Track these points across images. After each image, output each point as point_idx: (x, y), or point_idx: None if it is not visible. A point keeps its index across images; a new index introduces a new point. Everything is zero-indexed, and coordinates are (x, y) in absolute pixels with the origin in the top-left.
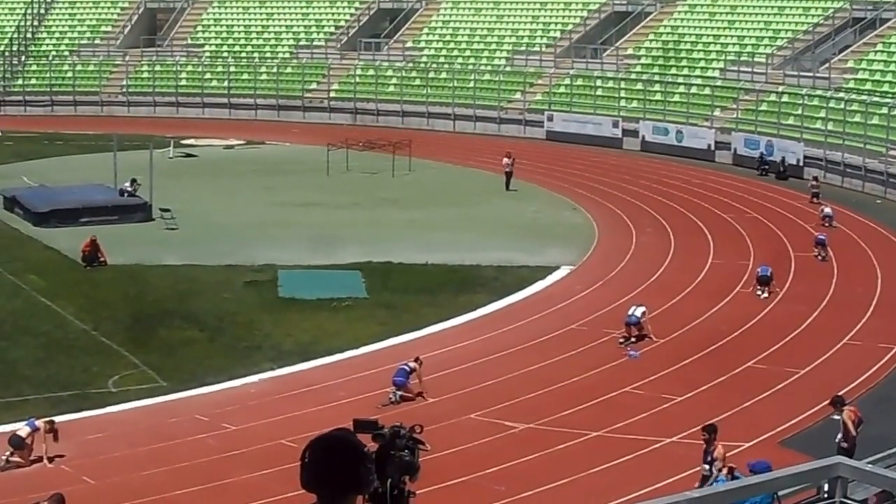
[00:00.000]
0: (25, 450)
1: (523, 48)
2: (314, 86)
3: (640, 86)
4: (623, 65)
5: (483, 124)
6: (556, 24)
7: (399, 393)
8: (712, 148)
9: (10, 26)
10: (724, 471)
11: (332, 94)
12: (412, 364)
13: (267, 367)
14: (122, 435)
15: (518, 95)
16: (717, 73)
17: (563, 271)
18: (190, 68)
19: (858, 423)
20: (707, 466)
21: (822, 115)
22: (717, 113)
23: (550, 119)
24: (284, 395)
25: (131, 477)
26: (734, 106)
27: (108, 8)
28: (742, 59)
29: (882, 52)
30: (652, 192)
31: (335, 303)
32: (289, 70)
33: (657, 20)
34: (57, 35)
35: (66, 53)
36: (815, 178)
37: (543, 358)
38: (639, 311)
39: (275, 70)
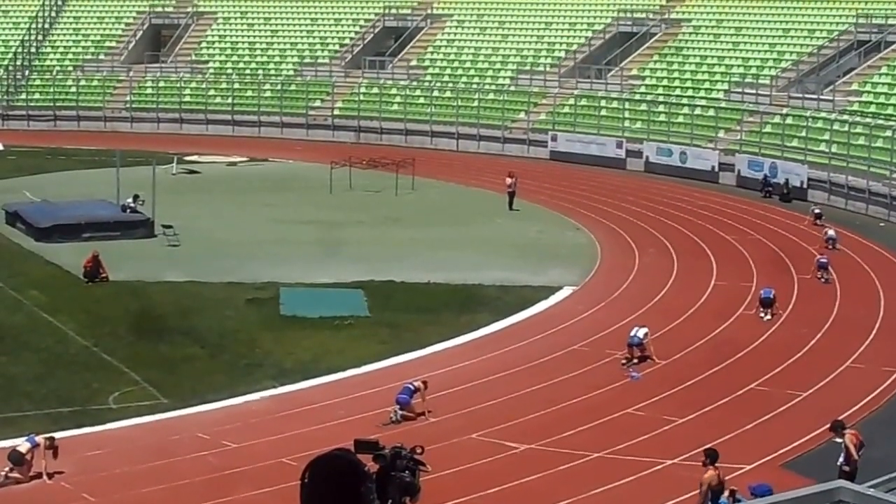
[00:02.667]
0: (25, 466)
1: (528, 68)
2: (318, 103)
3: (644, 106)
4: (627, 85)
5: (487, 144)
6: (561, 44)
7: (401, 412)
8: (716, 169)
9: (15, 41)
10: (726, 493)
11: (336, 112)
12: (417, 383)
13: (268, 384)
14: (122, 452)
15: (522, 115)
16: (721, 95)
17: (565, 292)
18: (194, 84)
19: (860, 446)
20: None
21: (827, 137)
22: (721, 134)
23: (554, 139)
24: (286, 413)
25: (131, 494)
26: (738, 128)
27: (113, 23)
28: (746, 80)
29: (886, 74)
30: (655, 214)
31: (337, 321)
32: (293, 87)
33: (662, 41)
34: (61, 50)
35: (70, 68)
36: (819, 212)
37: (545, 378)
38: (641, 333)
39: (279, 87)
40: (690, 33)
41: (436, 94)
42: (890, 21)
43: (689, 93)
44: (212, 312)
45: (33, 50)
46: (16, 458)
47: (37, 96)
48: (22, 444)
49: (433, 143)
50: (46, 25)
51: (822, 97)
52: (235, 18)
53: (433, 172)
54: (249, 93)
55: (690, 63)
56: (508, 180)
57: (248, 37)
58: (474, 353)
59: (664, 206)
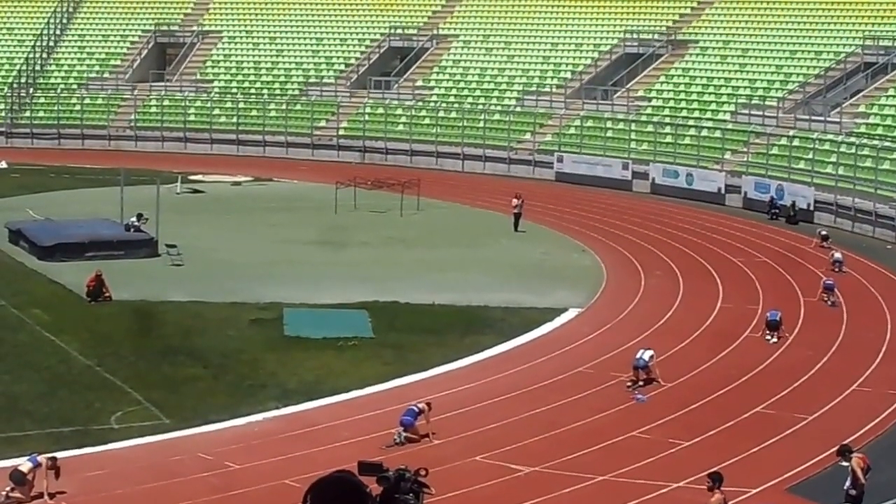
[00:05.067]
0: (26, 486)
1: (534, 89)
2: (323, 123)
3: (650, 128)
4: (633, 107)
5: (492, 164)
6: (567, 64)
7: (404, 434)
8: (722, 191)
9: (20, 58)
10: None
11: (342, 132)
12: (421, 405)
13: (271, 405)
14: (123, 472)
15: (528, 136)
16: (727, 117)
17: (570, 313)
18: (199, 104)
19: (867, 470)
20: None
21: (833, 159)
22: (727, 156)
23: (560, 160)
24: (288, 434)
25: None
26: (745, 149)
27: (118, 42)
28: (753, 102)
29: (894, 96)
30: (661, 235)
31: (341, 342)
32: (298, 107)
33: (668, 62)
34: (66, 68)
35: (75, 86)
36: (826, 233)
37: (550, 401)
38: (647, 355)
39: (284, 107)
40: (697, 55)
41: (441, 114)
42: None
43: (696, 114)
44: (215, 333)
45: (38, 67)
46: (17, 478)
47: (41, 114)
48: (24, 464)
49: (438, 163)
50: (51, 43)
51: (828, 119)
52: (241, 37)
53: (438, 193)
54: (254, 112)
55: (697, 84)
56: (514, 201)
57: (254, 56)
58: (479, 374)
59: (670, 228)
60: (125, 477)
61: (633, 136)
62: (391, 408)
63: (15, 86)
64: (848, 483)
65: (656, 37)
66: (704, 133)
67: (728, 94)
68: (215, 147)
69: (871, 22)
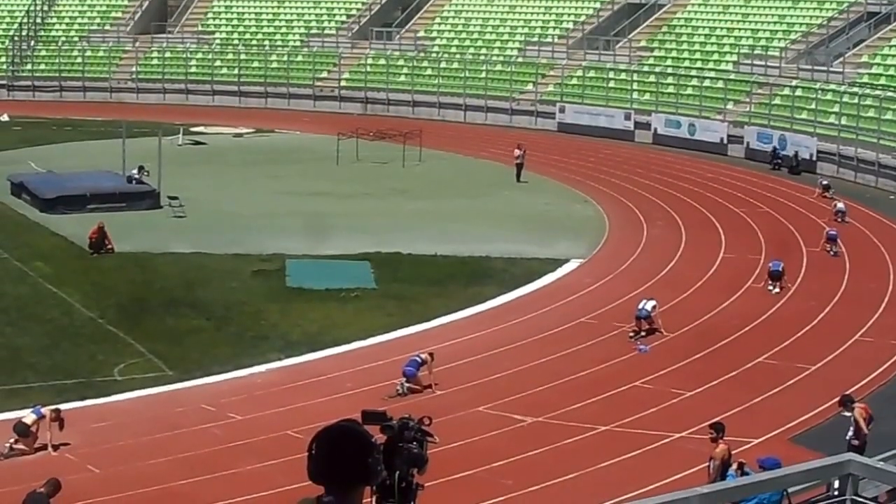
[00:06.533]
0: (30, 437)
1: (536, 39)
2: (325, 74)
3: (652, 78)
4: (636, 57)
5: (494, 115)
6: (569, 14)
7: (407, 385)
8: (725, 141)
9: (20, 11)
10: (734, 466)
11: (343, 83)
12: (424, 356)
13: (274, 357)
14: (126, 424)
15: (530, 87)
16: (730, 67)
17: (573, 264)
18: (200, 55)
19: (869, 420)
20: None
21: (836, 109)
22: (729, 106)
23: (562, 111)
24: (291, 385)
25: (136, 466)
26: (747, 99)
27: None
28: (756, 52)
29: None
30: (663, 186)
31: (344, 293)
32: (299, 58)
33: (671, 12)
34: (67, 20)
35: (76, 39)
36: (827, 183)
37: (552, 351)
38: (649, 305)
39: (285, 58)
40: (699, 4)
41: (443, 65)
42: None
43: (698, 64)
44: (218, 284)
45: (39, 20)
46: (21, 430)
47: (42, 67)
48: (27, 416)
49: (440, 114)
50: None
51: (831, 69)
52: None
53: (440, 144)
54: (256, 64)
55: (699, 34)
56: (517, 152)
57: (255, 7)
58: (481, 325)
59: (673, 179)
60: (128, 428)
61: (635, 86)
62: (394, 359)
63: (16, 39)
64: (850, 433)
65: None
66: (707, 83)
67: (730, 44)
68: (217, 99)
69: None
